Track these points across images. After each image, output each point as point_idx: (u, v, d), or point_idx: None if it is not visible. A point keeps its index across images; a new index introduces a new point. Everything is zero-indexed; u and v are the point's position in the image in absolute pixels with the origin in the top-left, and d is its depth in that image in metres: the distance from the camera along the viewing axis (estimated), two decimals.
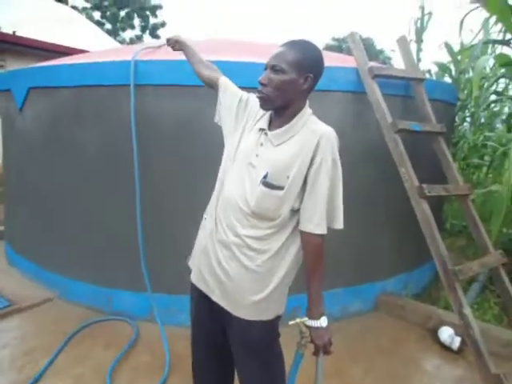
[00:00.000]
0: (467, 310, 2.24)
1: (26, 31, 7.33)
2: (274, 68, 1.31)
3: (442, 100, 3.37)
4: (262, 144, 1.38)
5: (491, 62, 5.10)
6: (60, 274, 3.07)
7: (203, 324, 1.56)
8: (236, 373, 1.56)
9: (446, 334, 2.62)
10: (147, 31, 21.26)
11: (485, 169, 5.26)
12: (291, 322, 1.38)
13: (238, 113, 1.54)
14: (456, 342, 2.55)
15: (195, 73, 1.79)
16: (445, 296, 3.14)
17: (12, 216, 3.73)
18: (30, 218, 3.36)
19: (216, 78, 1.67)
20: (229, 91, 1.60)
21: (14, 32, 7.13)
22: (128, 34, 21.15)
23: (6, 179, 3.87)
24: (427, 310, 2.93)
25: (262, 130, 1.41)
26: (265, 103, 1.35)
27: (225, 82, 1.64)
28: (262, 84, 1.33)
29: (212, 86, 1.69)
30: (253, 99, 1.52)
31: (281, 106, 1.35)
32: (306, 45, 1.35)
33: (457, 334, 2.59)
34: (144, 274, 2.68)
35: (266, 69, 1.35)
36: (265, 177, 1.32)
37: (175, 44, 1.96)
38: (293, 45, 1.34)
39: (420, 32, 6.30)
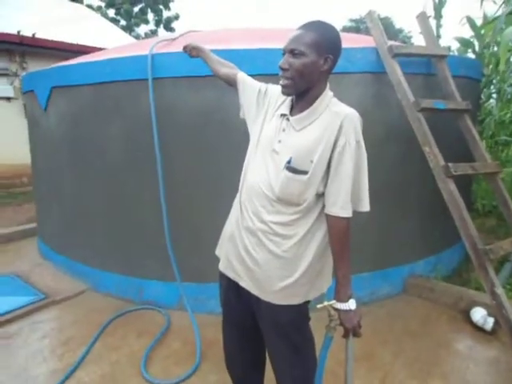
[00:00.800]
0: (500, 290, 2.19)
1: (45, 33, 7.49)
2: (292, 52, 1.29)
3: (467, 76, 3.26)
4: (284, 130, 1.38)
5: None
6: (91, 267, 3.17)
7: (233, 310, 1.58)
8: (268, 356, 1.58)
9: (479, 314, 2.58)
10: (161, 25, 21.30)
11: None
12: (319, 306, 1.38)
13: (259, 103, 1.54)
14: (489, 323, 2.50)
15: (213, 73, 1.82)
16: (476, 277, 3.07)
17: (43, 213, 3.87)
18: (60, 214, 3.47)
19: (233, 75, 1.69)
20: (247, 85, 1.62)
21: (33, 34, 7.30)
22: (143, 29, 21.26)
23: (34, 178, 4.00)
24: (458, 291, 2.87)
25: (283, 115, 1.40)
26: (287, 89, 1.34)
27: (242, 77, 1.66)
28: (282, 69, 1.32)
29: (231, 83, 1.71)
30: (272, 87, 1.53)
31: (303, 90, 1.34)
32: (323, 25, 1.33)
33: (490, 314, 2.54)
34: (172, 263, 2.74)
35: (284, 53, 1.33)
36: (288, 162, 1.32)
37: (192, 50, 1.96)
38: (310, 26, 1.31)
39: (439, 7, 6.06)
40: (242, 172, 1.50)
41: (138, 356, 2.35)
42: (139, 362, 2.29)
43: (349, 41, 2.97)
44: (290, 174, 1.31)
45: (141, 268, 2.94)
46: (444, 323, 2.69)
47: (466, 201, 2.82)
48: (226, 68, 1.77)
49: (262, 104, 1.53)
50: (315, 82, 1.33)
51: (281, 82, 1.34)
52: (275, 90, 1.50)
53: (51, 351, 2.43)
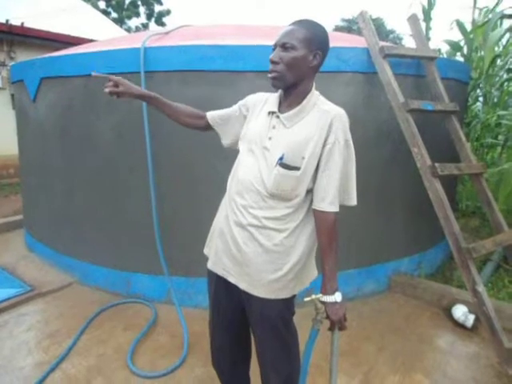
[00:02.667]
0: (481, 288, 2.25)
1: (34, 23, 7.37)
2: (284, 46, 1.32)
3: (455, 78, 3.32)
4: (274, 127, 1.40)
5: (505, 38, 4.97)
6: (79, 259, 3.16)
7: (222, 307, 1.59)
8: (256, 351, 1.59)
9: (460, 311, 2.64)
10: (153, 19, 21.13)
11: (499, 149, 5.18)
12: (306, 299, 1.41)
13: (243, 116, 1.56)
14: (470, 320, 2.57)
15: (187, 126, 1.67)
16: (458, 275, 3.15)
17: (30, 205, 3.82)
18: (48, 206, 3.44)
19: (207, 122, 1.63)
20: (222, 120, 1.61)
21: (22, 24, 7.18)
22: (134, 22, 21.07)
23: (22, 170, 3.95)
24: (440, 289, 2.94)
25: (272, 113, 1.43)
26: (277, 81, 1.36)
27: (212, 117, 1.62)
28: (273, 62, 1.35)
29: (209, 129, 1.67)
30: (248, 97, 1.58)
31: (291, 84, 1.36)
32: (313, 23, 1.37)
33: (471, 311, 2.61)
34: (161, 257, 2.75)
35: (274, 48, 1.37)
36: (281, 158, 1.35)
37: (125, 94, 1.58)
38: (301, 23, 1.35)
39: (428, 10, 6.14)
40: (232, 169, 1.53)
41: (125, 349, 2.35)
42: (126, 354, 2.30)
43: (340, 40, 3.01)
44: (283, 170, 1.34)
45: (129, 261, 2.94)
46: (427, 320, 2.75)
47: (451, 201, 2.89)
48: (195, 118, 1.65)
49: (245, 114, 1.55)
50: (303, 77, 1.36)
51: (270, 74, 1.36)
52: (254, 96, 1.56)
53: (37, 343, 2.42)
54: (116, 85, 1.55)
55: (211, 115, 1.63)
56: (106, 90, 1.55)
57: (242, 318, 1.56)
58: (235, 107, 1.60)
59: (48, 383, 2.09)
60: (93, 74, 1.63)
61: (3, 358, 2.28)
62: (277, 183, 1.35)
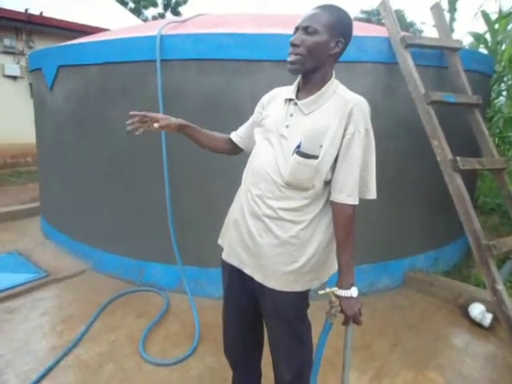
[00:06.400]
0: (500, 286, 2.19)
1: (53, 12, 7.42)
2: (306, 29, 1.27)
3: (478, 71, 3.22)
4: (291, 114, 1.36)
5: None
6: (93, 247, 3.19)
7: (236, 297, 1.58)
8: (269, 343, 1.58)
9: (477, 310, 2.58)
10: (169, 9, 21.11)
11: None
12: (321, 292, 1.38)
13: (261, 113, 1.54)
14: (487, 319, 2.51)
15: (224, 153, 1.69)
16: (476, 273, 3.08)
17: (47, 192, 3.88)
18: (64, 194, 3.47)
19: (233, 143, 1.64)
20: (247, 133, 1.60)
21: (41, 13, 7.23)
22: (151, 12, 21.10)
23: (39, 157, 4.00)
24: (457, 287, 2.87)
25: (289, 100, 1.39)
26: (295, 65, 1.31)
27: (236, 135, 1.64)
28: (293, 45, 1.30)
29: (238, 151, 1.68)
30: (263, 98, 1.56)
31: (310, 70, 1.31)
32: (338, 9, 1.32)
33: (488, 310, 2.55)
34: (174, 247, 2.75)
35: (295, 31, 1.32)
36: (298, 146, 1.30)
37: (169, 126, 1.67)
38: (326, 8, 1.30)
39: (453, 0, 5.96)
40: (248, 160, 1.50)
41: (137, 336, 2.37)
42: (137, 342, 2.31)
43: (361, 29, 2.93)
44: (300, 159, 1.30)
45: (142, 250, 2.95)
46: (442, 317, 2.69)
47: (471, 197, 2.81)
48: (223, 142, 1.67)
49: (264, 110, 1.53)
50: (322, 64, 1.31)
51: (289, 58, 1.32)
52: (268, 94, 1.54)
53: (51, 328, 2.46)
54: (143, 120, 1.62)
55: (235, 134, 1.64)
56: (137, 132, 1.66)
57: (255, 307, 1.54)
58: (254, 113, 1.58)
59: (61, 367, 2.11)
60: (130, 113, 1.58)
61: (19, 340, 2.32)
62: (293, 172, 1.31)
